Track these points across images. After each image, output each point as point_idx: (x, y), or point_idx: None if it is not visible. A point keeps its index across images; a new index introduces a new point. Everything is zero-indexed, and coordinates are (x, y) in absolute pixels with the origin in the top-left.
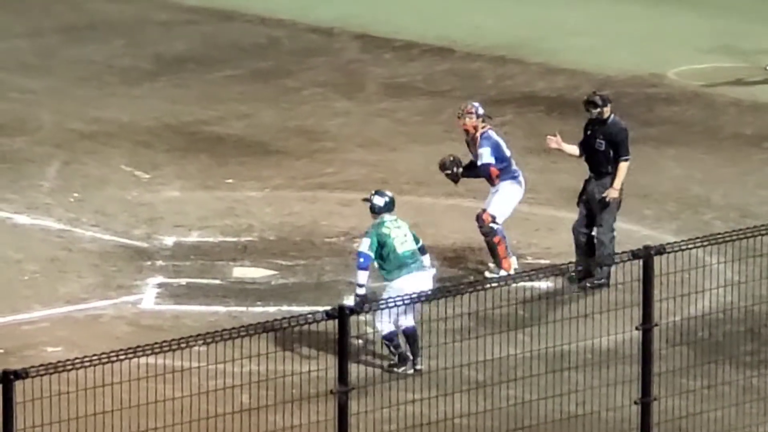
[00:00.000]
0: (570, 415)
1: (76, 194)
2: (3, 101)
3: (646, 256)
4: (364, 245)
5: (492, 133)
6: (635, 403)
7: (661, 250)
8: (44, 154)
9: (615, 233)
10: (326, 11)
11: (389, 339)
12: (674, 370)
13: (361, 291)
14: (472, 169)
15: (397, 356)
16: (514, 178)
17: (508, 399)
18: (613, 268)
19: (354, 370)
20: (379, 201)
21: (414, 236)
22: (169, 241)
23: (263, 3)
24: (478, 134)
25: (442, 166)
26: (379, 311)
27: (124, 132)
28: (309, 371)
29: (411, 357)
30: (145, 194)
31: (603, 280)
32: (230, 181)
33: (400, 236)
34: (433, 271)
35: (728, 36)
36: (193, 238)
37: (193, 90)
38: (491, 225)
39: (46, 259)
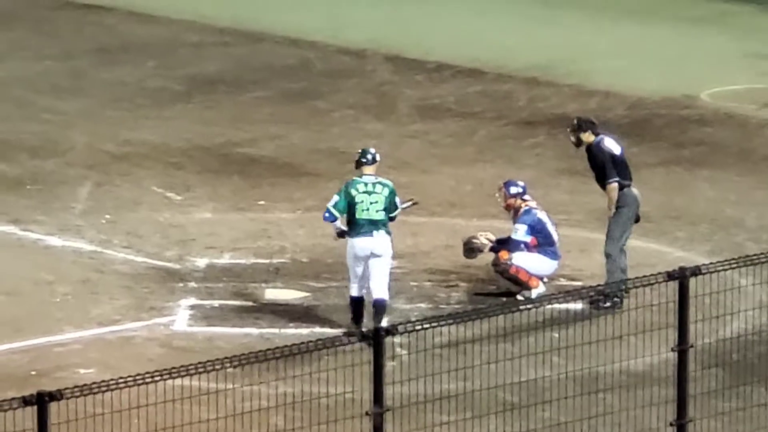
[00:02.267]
0: None
1: (107, 216)
2: (36, 123)
3: (682, 277)
4: (331, 201)
5: (535, 211)
6: (671, 424)
7: (696, 272)
8: (76, 176)
9: (624, 246)
10: (357, 33)
11: (353, 301)
12: (708, 392)
13: (338, 229)
14: (505, 244)
15: (352, 316)
16: (554, 254)
17: (543, 421)
18: (646, 289)
19: (387, 391)
20: (361, 156)
21: (388, 203)
22: (201, 262)
23: (294, 25)
24: (521, 210)
25: (471, 249)
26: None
27: (155, 153)
28: (344, 393)
29: (363, 319)
30: (177, 216)
31: (615, 299)
32: (262, 202)
33: (366, 203)
34: (386, 236)
35: (760, 57)
36: (226, 259)
37: (224, 111)
38: (505, 261)
39: (77, 280)
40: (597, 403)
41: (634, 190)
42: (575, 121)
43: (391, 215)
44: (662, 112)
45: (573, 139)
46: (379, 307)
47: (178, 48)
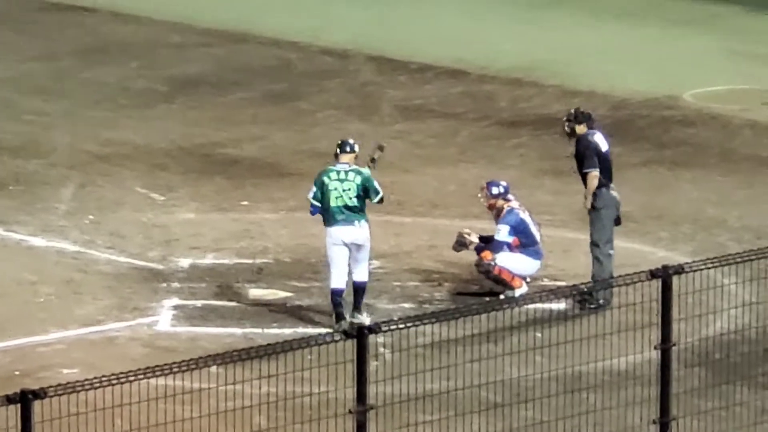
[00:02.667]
0: None
1: (91, 216)
2: (18, 124)
3: (665, 275)
4: (310, 193)
5: (518, 212)
6: (653, 422)
7: (679, 270)
8: (59, 177)
9: (612, 251)
10: (340, 34)
11: (333, 293)
12: (690, 390)
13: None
14: (489, 243)
15: (334, 314)
16: (536, 253)
17: (525, 420)
18: (629, 289)
19: (370, 390)
20: (339, 145)
21: (364, 192)
22: (184, 263)
23: (276, 25)
24: (504, 210)
25: (460, 245)
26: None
27: (138, 154)
28: (327, 392)
29: (345, 318)
30: (160, 216)
31: (601, 302)
32: (245, 203)
33: (339, 190)
34: (365, 225)
35: (743, 58)
36: (209, 260)
37: (206, 112)
38: (487, 261)
39: (61, 281)
40: (579, 402)
41: (614, 192)
42: (572, 111)
43: (374, 200)
44: (645, 113)
45: (567, 129)
46: (359, 289)
47: (160, 49)
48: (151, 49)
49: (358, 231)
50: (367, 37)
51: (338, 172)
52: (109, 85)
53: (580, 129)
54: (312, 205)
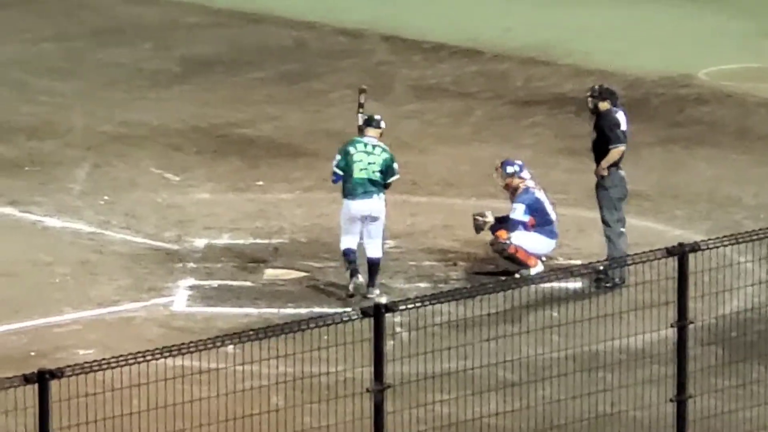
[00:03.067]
0: (602, 414)
1: (106, 197)
2: (32, 105)
3: (681, 253)
4: (334, 161)
5: (533, 191)
6: (671, 400)
7: (695, 248)
8: (74, 157)
9: (623, 229)
10: (354, 13)
11: (344, 254)
12: (706, 369)
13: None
14: (504, 222)
15: (348, 271)
16: (552, 233)
17: (542, 399)
18: (644, 267)
19: (386, 369)
20: (367, 120)
21: (386, 170)
22: (200, 243)
23: (290, 5)
24: (519, 189)
25: (478, 228)
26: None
27: (153, 134)
28: (344, 371)
29: (359, 279)
30: (175, 196)
31: (617, 280)
32: (260, 183)
33: (364, 162)
34: (382, 199)
35: (758, 36)
36: (224, 240)
37: (221, 92)
38: (503, 241)
39: (76, 261)
40: (596, 380)
41: (622, 171)
42: (596, 87)
43: (387, 181)
44: (660, 92)
45: (591, 105)
46: (374, 265)
47: (174, 29)
48: (165, 30)
49: (376, 203)
50: (381, 16)
51: (365, 144)
52: (124, 66)
53: (603, 105)
54: (334, 173)
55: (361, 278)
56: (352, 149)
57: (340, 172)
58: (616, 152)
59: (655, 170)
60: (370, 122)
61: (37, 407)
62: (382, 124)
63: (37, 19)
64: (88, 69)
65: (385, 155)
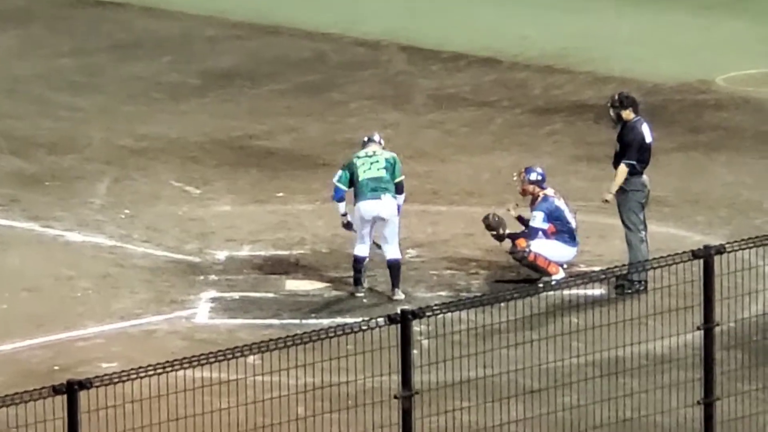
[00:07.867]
0: (625, 419)
1: (126, 211)
2: (52, 120)
3: (707, 255)
4: (335, 177)
5: (552, 199)
6: (698, 403)
7: (721, 250)
8: (94, 172)
9: (643, 234)
10: (372, 24)
11: (354, 260)
12: (729, 372)
13: (343, 216)
14: (526, 224)
15: (353, 278)
16: (572, 240)
17: (564, 405)
18: (665, 272)
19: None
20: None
21: (391, 169)
22: (221, 255)
23: (309, 17)
24: (539, 198)
25: (488, 226)
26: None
27: (173, 148)
28: (367, 379)
29: (363, 283)
30: (196, 209)
31: (638, 286)
32: (281, 194)
33: (367, 164)
34: (392, 200)
35: None
36: (245, 252)
37: (240, 105)
38: (521, 248)
39: (98, 275)
40: (618, 386)
41: (644, 176)
42: (617, 97)
43: (395, 179)
44: (678, 98)
45: (613, 115)
46: (394, 268)
47: (193, 42)
48: (183, 43)
49: (385, 204)
50: (399, 27)
51: (366, 153)
52: (143, 80)
53: (627, 114)
54: (336, 189)
55: (362, 291)
56: (355, 159)
57: (343, 187)
58: (621, 171)
59: (675, 176)
60: (369, 139)
61: (65, 418)
62: (381, 141)
63: (56, 34)
64: (108, 83)
65: (387, 154)
